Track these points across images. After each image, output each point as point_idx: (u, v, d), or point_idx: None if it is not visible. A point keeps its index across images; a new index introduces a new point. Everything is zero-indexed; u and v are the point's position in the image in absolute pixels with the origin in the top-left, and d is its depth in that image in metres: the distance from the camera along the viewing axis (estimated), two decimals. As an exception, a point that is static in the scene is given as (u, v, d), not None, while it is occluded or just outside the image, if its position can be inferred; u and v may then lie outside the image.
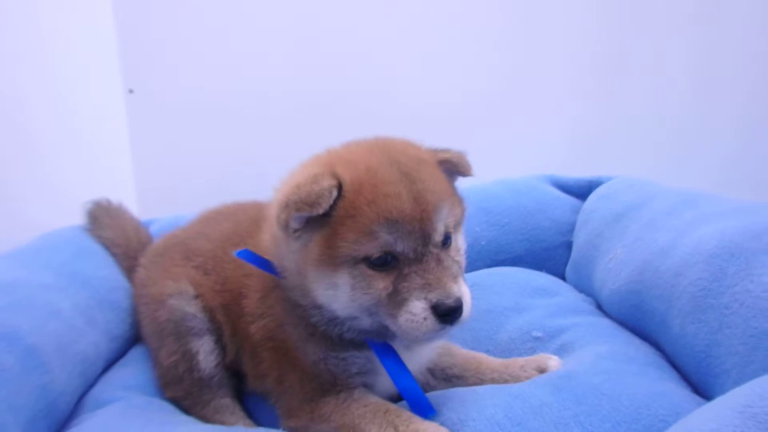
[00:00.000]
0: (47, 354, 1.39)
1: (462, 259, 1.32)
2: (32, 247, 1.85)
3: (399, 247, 1.17)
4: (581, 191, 2.34)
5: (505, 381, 1.45)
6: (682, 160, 3.03)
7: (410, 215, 1.17)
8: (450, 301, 1.14)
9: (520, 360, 1.51)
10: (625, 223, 1.86)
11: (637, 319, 1.62)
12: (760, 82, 3.01)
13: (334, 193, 1.17)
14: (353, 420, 1.26)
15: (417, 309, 1.14)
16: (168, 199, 2.82)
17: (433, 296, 1.14)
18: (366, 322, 1.26)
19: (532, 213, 2.29)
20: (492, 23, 3.01)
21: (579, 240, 2.12)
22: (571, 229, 2.24)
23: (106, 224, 2.01)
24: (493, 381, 1.47)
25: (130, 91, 2.93)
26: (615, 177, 2.22)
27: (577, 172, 2.41)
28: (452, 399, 1.33)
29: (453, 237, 1.29)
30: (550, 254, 2.25)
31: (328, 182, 1.17)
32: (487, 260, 2.26)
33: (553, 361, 1.48)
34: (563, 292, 1.95)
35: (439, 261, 1.19)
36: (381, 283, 1.18)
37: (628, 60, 3.03)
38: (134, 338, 1.85)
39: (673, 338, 1.44)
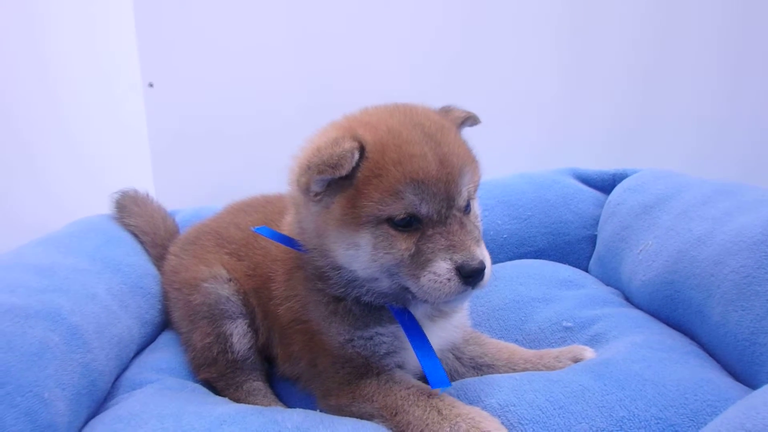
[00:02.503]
0: (88, 334, 1.43)
1: (480, 225, 1.32)
2: (64, 233, 1.87)
3: (423, 209, 1.17)
4: (605, 184, 2.31)
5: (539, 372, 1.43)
6: (709, 157, 3.00)
7: (436, 177, 1.17)
8: (475, 263, 1.14)
9: (554, 351, 1.49)
10: (655, 214, 1.83)
11: (670, 310, 1.60)
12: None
13: (356, 155, 1.17)
14: (396, 401, 1.26)
15: (441, 269, 1.14)
16: (186, 192, 2.81)
17: (458, 257, 1.14)
18: (385, 284, 1.25)
19: (554, 206, 2.26)
20: (510, 25, 2.98)
21: (605, 233, 2.10)
22: (594, 222, 2.22)
23: (134, 212, 2.02)
24: (525, 371, 1.44)
25: (150, 85, 2.92)
26: (640, 170, 2.19)
27: (600, 166, 2.38)
28: (491, 385, 1.31)
29: (471, 203, 1.29)
30: (573, 248, 2.22)
31: (349, 144, 1.17)
32: (509, 253, 2.23)
33: (589, 352, 1.46)
34: (589, 284, 1.92)
35: (462, 224, 1.19)
36: (403, 244, 1.18)
37: (657, 59, 3.01)
38: (163, 324, 1.87)
39: (712, 328, 1.42)
